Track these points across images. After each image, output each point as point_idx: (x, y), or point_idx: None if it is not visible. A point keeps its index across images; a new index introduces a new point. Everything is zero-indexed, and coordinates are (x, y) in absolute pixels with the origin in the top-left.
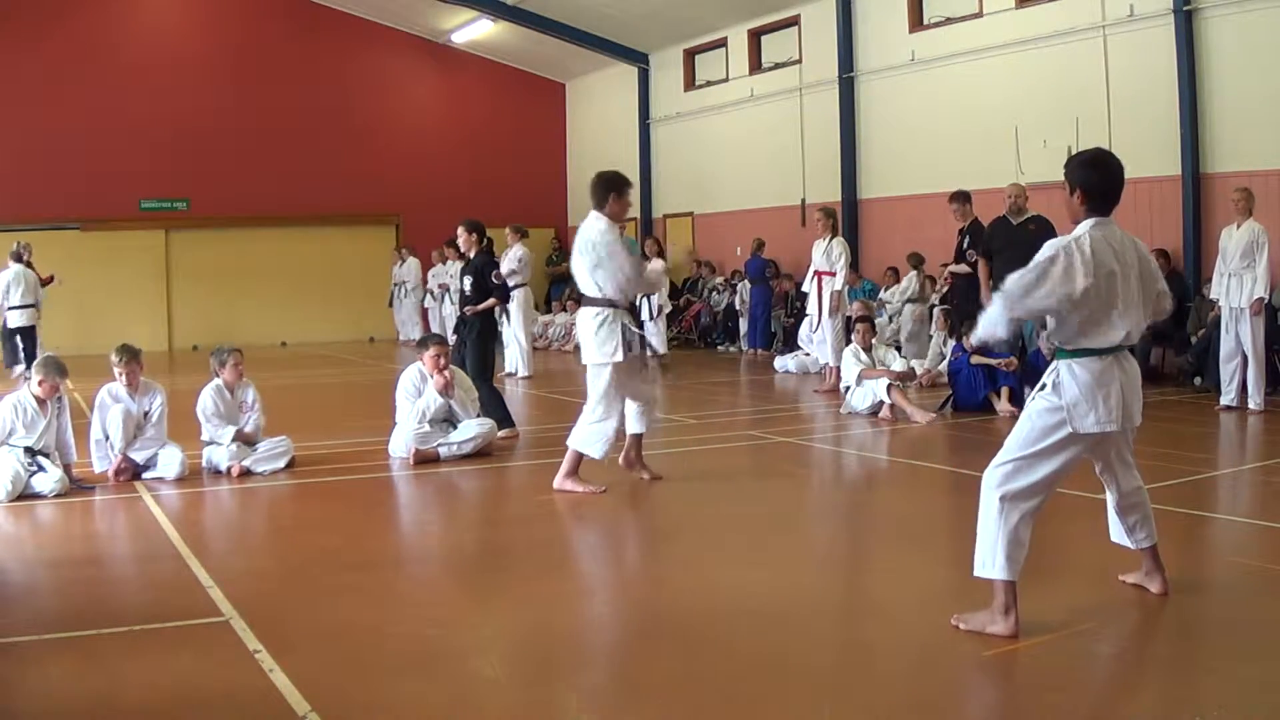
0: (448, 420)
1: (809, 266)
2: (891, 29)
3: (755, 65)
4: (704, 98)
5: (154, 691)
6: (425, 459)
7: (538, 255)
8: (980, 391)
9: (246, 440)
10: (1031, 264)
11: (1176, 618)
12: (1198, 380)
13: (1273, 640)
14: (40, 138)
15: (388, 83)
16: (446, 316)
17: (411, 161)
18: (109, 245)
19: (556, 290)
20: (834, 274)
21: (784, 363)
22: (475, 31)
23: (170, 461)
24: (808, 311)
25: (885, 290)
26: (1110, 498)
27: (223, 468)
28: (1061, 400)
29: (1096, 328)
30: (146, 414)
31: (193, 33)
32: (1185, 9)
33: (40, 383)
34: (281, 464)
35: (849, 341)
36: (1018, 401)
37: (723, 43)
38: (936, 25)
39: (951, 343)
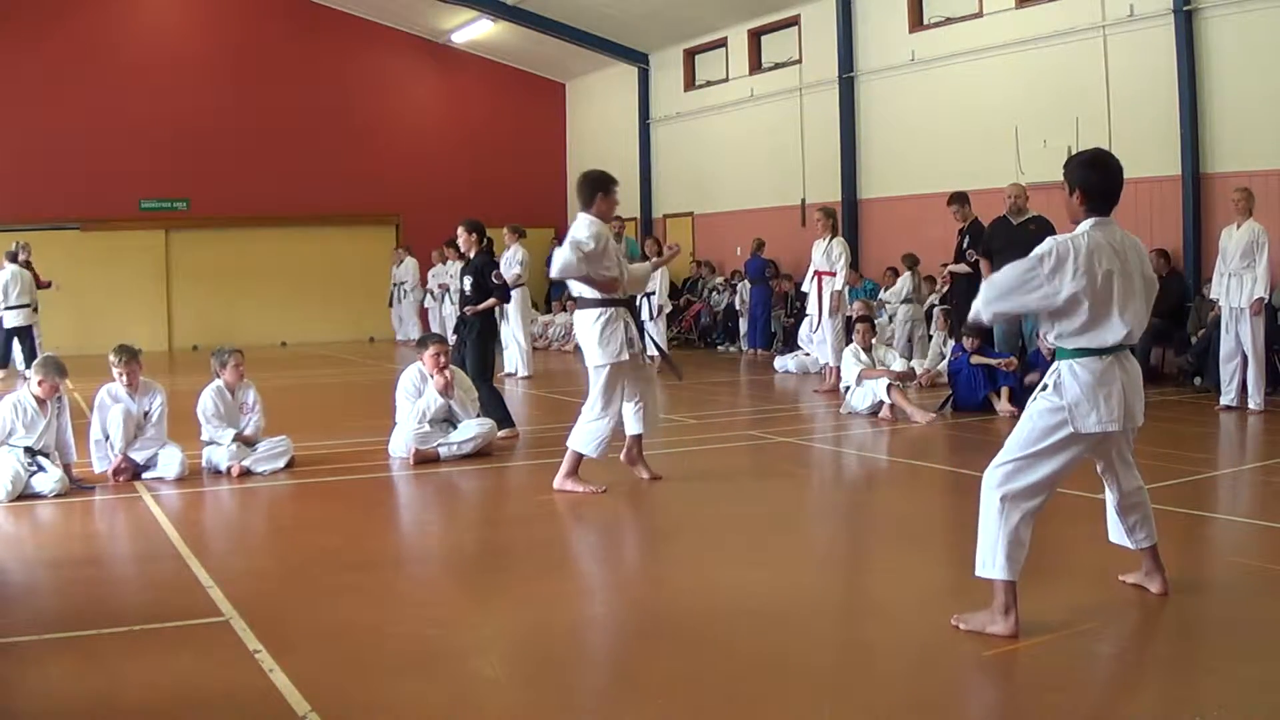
0: (448, 420)
1: (809, 266)
2: (891, 29)
3: (755, 65)
4: (704, 98)
5: (154, 691)
6: (425, 459)
7: (537, 255)
8: (980, 391)
9: (246, 441)
10: (1023, 261)
11: (1176, 618)
12: (1198, 380)
13: (1273, 640)
14: (40, 138)
15: (388, 83)
16: (446, 317)
17: (411, 161)
18: (109, 245)
19: (556, 290)
20: (834, 274)
21: (784, 363)
22: (475, 31)
23: (170, 461)
24: (808, 311)
25: (884, 291)
26: (1111, 497)
27: (223, 468)
28: (1063, 400)
29: (1097, 327)
30: (146, 414)
31: (193, 33)
32: (1185, 9)
33: (40, 383)
34: (281, 464)
35: (849, 341)
36: (1018, 401)
37: (723, 43)
38: (936, 25)
39: (951, 343)
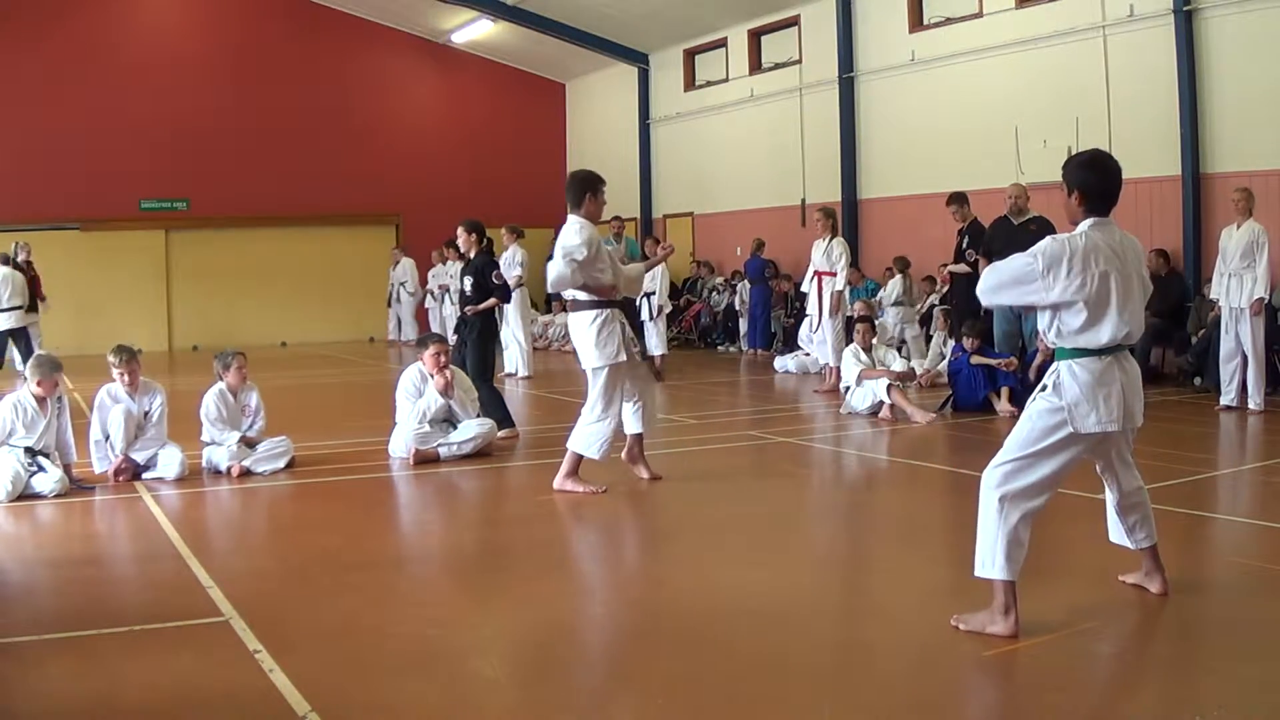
0: (448, 420)
1: (808, 266)
2: (891, 29)
3: (755, 65)
4: (704, 98)
5: (154, 691)
6: (425, 459)
7: (537, 255)
8: (980, 391)
9: (247, 441)
10: (1022, 256)
11: (1176, 618)
12: (1198, 380)
13: (1273, 640)
14: (40, 138)
15: (388, 83)
16: (447, 317)
17: (411, 161)
18: (109, 245)
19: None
20: (834, 274)
21: (784, 363)
22: (475, 31)
23: (170, 461)
24: (808, 312)
25: (880, 291)
26: (1110, 497)
27: (223, 468)
28: (1062, 400)
29: (1095, 327)
30: (147, 414)
31: (193, 33)
32: (1185, 9)
33: (39, 383)
34: (281, 464)
35: (849, 342)
36: (1018, 401)
37: (723, 43)
38: (936, 25)
39: (951, 343)
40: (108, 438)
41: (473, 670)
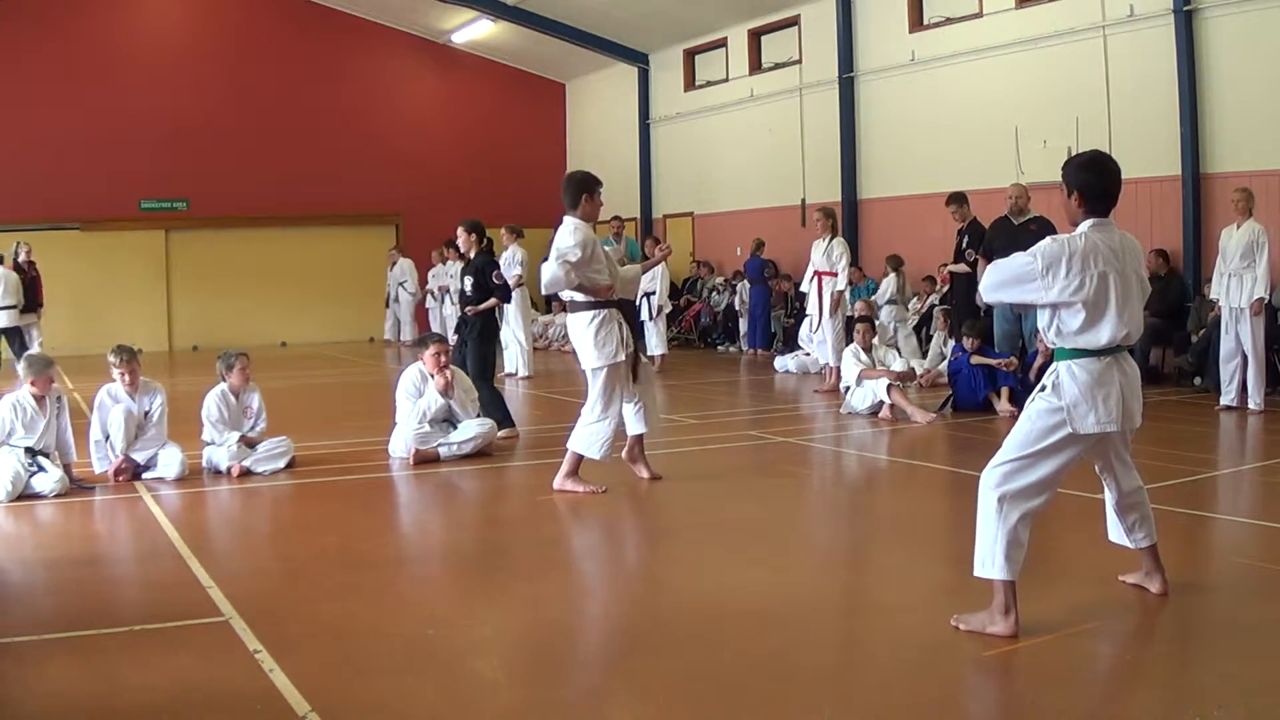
0: (448, 420)
1: (808, 266)
2: (891, 29)
3: (755, 65)
4: (704, 98)
5: (153, 691)
6: (425, 459)
7: (536, 255)
8: (980, 391)
9: (247, 441)
10: (1022, 255)
11: (1176, 618)
12: (1198, 380)
13: (1273, 640)
14: (40, 138)
15: (388, 83)
16: (447, 317)
17: (411, 161)
18: (109, 245)
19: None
20: (834, 274)
21: (784, 363)
22: (475, 31)
23: (170, 461)
24: (808, 311)
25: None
26: (1109, 497)
27: (223, 468)
28: (1061, 401)
29: (1094, 327)
30: (147, 414)
31: (193, 33)
32: (1185, 9)
33: (32, 381)
34: (281, 464)
35: (849, 342)
36: (1018, 401)
37: (723, 43)
38: (936, 25)
39: (951, 343)
40: (108, 438)
41: (472, 670)
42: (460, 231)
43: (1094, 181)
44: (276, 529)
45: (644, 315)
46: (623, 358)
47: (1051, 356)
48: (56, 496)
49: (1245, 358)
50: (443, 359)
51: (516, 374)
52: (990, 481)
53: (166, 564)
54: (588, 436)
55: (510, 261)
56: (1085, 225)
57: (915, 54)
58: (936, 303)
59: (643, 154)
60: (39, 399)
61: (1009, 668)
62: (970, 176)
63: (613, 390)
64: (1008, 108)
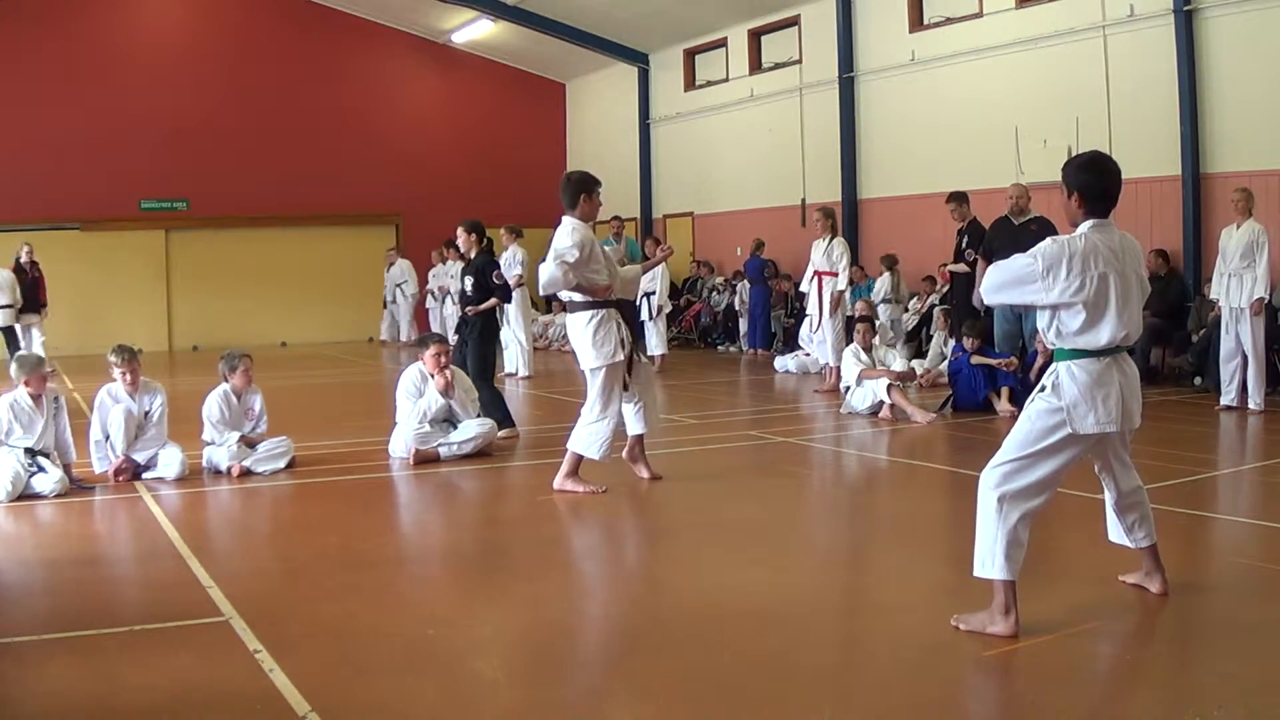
0: (448, 420)
1: (808, 266)
2: (891, 29)
3: (755, 65)
4: (704, 98)
5: (153, 691)
6: (425, 459)
7: (536, 255)
8: (980, 391)
9: (247, 441)
10: (1022, 257)
11: (1176, 618)
12: (1198, 380)
13: (1273, 640)
14: (40, 138)
15: (388, 82)
16: (448, 317)
17: (411, 161)
18: (109, 245)
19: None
20: (834, 274)
21: (784, 363)
22: (475, 31)
23: (170, 461)
24: (808, 311)
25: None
26: (1109, 497)
27: (223, 468)
28: (1061, 401)
29: (1094, 328)
30: (147, 414)
31: (193, 33)
32: (1185, 9)
33: (25, 381)
34: (281, 464)
35: (849, 341)
36: (1018, 401)
37: (723, 43)
38: (936, 25)
39: (951, 343)
40: (108, 438)
41: (472, 670)
42: (460, 232)
43: (1094, 182)
44: (276, 529)
45: (644, 315)
46: (620, 358)
47: (1051, 357)
48: (57, 497)
49: (1245, 358)
50: (443, 359)
51: (517, 374)
52: (990, 481)
53: (166, 564)
54: (587, 436)
55: (511, 261)
56: (1085, 226)
57: (915, 54)
58: (936, 303)
59: (643, 154)
60: (35, 398)
61: (1009, 668)
62: (970, 176)
63: (611, 390)
64: (1008, 108)
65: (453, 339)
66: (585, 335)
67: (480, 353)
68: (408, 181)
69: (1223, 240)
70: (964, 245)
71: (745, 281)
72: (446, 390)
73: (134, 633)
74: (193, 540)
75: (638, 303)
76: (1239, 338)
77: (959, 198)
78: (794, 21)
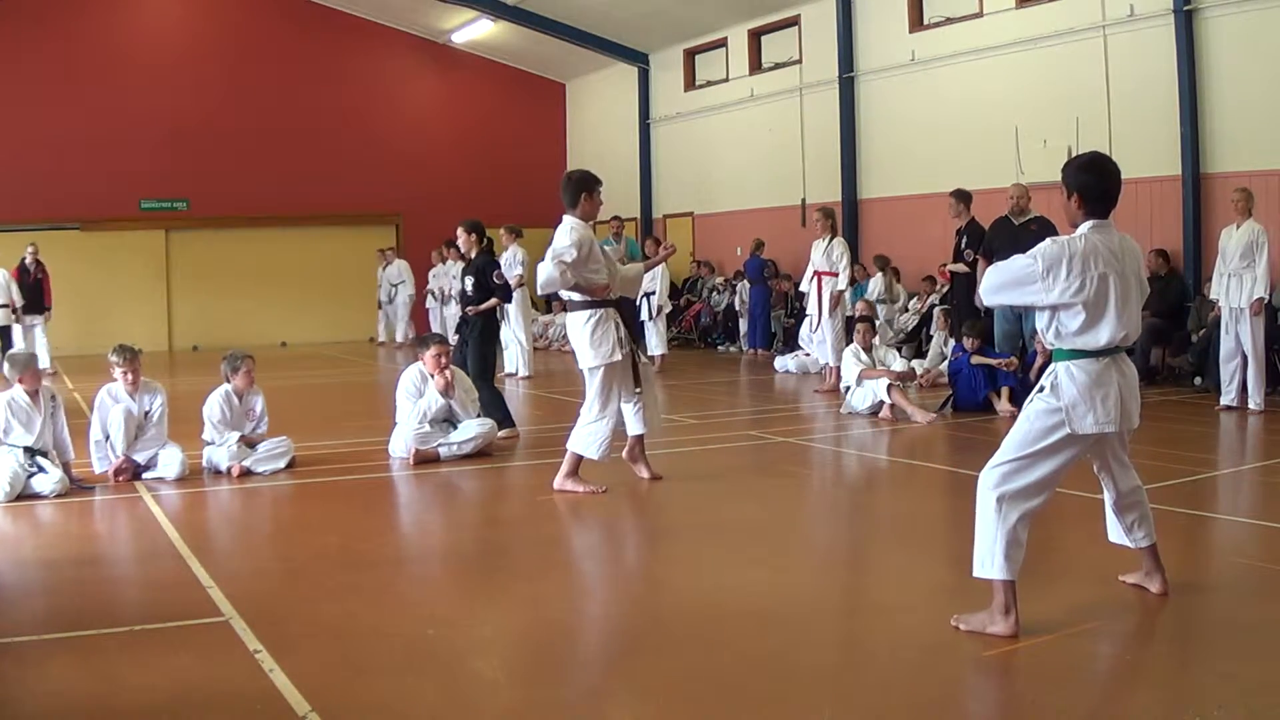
0: (448, 420)
1: (808, 266)
2: (891, 29)
3: (755, 65)
4: (704, 98)
5: (153, 691)
6: (425, 459)
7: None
8: (980, 391)
9: (247, 441)
10: (1022, 257)
11: (1176, 618)
12: (1198, 380)
13: (1273, 640)
14: (40, 138)
15: (387, 82)
16: (448, 318)
17: (411, 161)
18: (109, 245)
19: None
20: (834, 274)
21: (784, 363)
22: (475, 31)
23: (170, 461)
24: (808, 311)
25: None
26: (1108, 497)
27: (223, 468)
28: (1060, 402)
29: (1093, 329)
30: (147, 414)
31: (193, 33)
32: (1185, 9)
33: (19, 379)
34: (282, 464)
35: (849, 342)
36: (1018, 401)
37: (723, 43)
38: (936, 25)
39: (951, 343)
40: (108, 438)
41: (472, 670)
42: (460, 232)
43: (1094, 183)
44: (276, 529)
45: (644, 315)
46: (619, 357)
47: (1050, 357)
48: (57, 497)
49: (1245, 358)
50: (443, 360)
51: (517, 374)
52: (989, 482)
53: (166, 564)
54: (586, 436)
55: (511, 262)
56: (1085, 227)
57: (915, 54)
58: (936, 303)
59: (643, 154)
60: (32, 395)
61: (1009, 668)
62: (970, 176)
63: (609, 390)
64: (1008, 108)
65: (453, 339)
66: (584, 335)
67: (480, 353)
68: (408, 181)
69: (1222, 240)
70: (963, 245)
71: (745, 281)
72: (446, 390)
73: (134, 633)
74: (193, 540)
75: (638, 302)
76: (1239, 338)
77: (962, 196)
78: (794, 21)
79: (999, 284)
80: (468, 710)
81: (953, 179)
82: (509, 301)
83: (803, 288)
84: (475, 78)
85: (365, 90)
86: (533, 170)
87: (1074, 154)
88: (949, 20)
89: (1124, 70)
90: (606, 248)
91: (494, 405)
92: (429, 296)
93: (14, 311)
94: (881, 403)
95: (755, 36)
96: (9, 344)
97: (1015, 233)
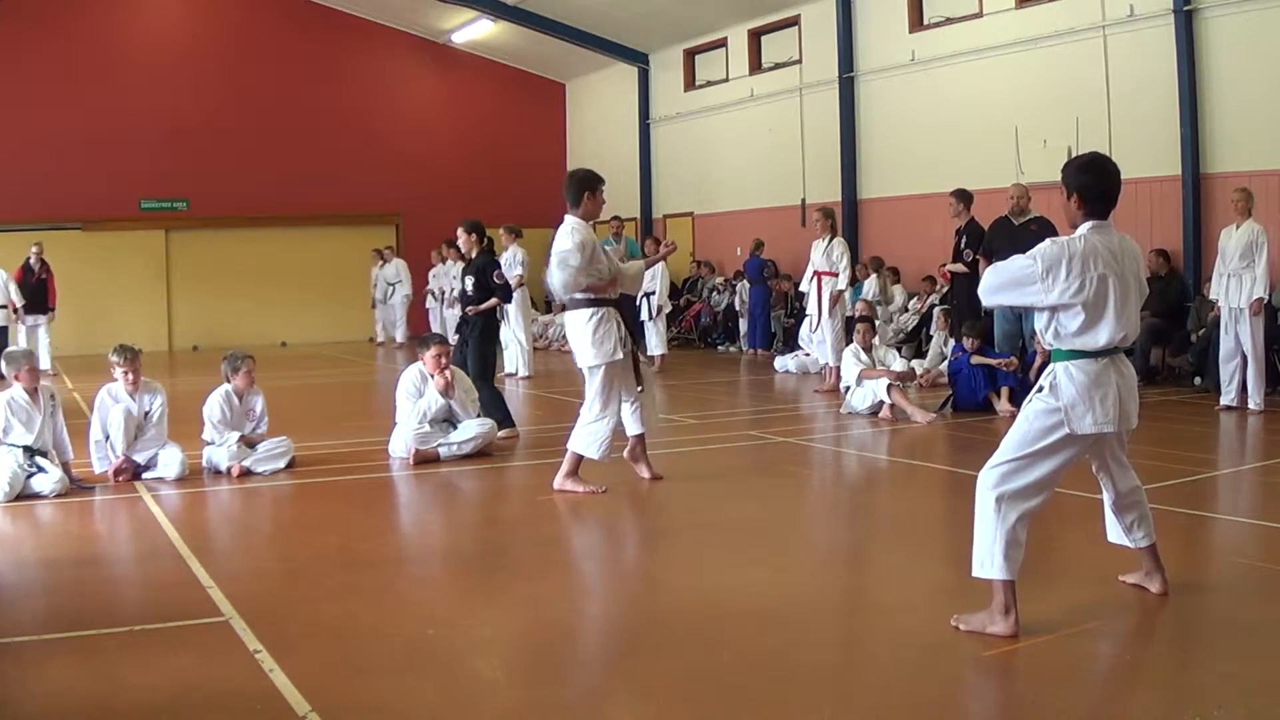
0: (448, 420)
1: (808, 266)
2: (891, 29)
3: (755, 65)
4: (704, 98)
5: (153, 692)
6: (425, 459)
7: (537, 255)
8: (980, 391)
9: (247, 441)
10: (1022, 258)
11: (1176, 618)
12: (1198, 380)
13: (1273, 640)
14: (40, 138)
15: (388, 82)
16: (448, 318)
17: (411, 161)
18: (109, 245)
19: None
20: (834, 274)
21: (784, 363)
22: (475, 31)
23: (170, 461)
24: (807, 311)
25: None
26: (1107, 497)
27: (223, 468)
28: (1059, 402)
29: (1092, 329)
30: (147, 414)
31: (193, 33)
32: (1185, 9)
33: (16, 376)
34: (282, 464)
35: (849, 342)
36: (1018, 401)
37: (723, 43)
38: (936, 25)
39: (951, 343)
40: (108, 438)
41: (472, 670)
42: (460, 232)
43: (1093, 184)
44: (276, 529)
45: (644, 315)
46: (620, 356)
47: (1049, 357)
48: (57, 497)
49: (1245, 358)
50: (443, 360)
51: (516, 374)
52: (988, 482)
53: (166, 564)
54: (587, 436)
55: (511, 262)
56: (1085, 228)
57: (915, 54)
58: (936, 303)
59: (643, 154)
60: (32, 395)
61: (1009, 668)
62: (970, 176)
63: (610, 389)
64: (1008, 108)
65: (453, 339)
66: (585, 333)
67: (481, 353)
68: (408, 181)
69: (1222, 240)
70: (962, 245)
71: (745, 281)
72: (446, 390)
73: (134, 633)
74: (193, 540)
75: (638, 302)
76: (1238, 338)
77: (963, 196)
78: (794, 21)
79: (997, 284)
80: (468, 710)
81: (953, 179)
82: (509, 301)
83: (802, 288)
84: (475, 78)
85: (365, 90)
86: (533, 170)
87: (1074, 154)
88: (949, 20)
89: (1124, 70)
90: (607, 247)
91: (494, 405)
92: (429, 296)
93: (15, 312)
94: (881, 403)
95: (755, 36)
96: (4, 345)
97: (1015, 233)
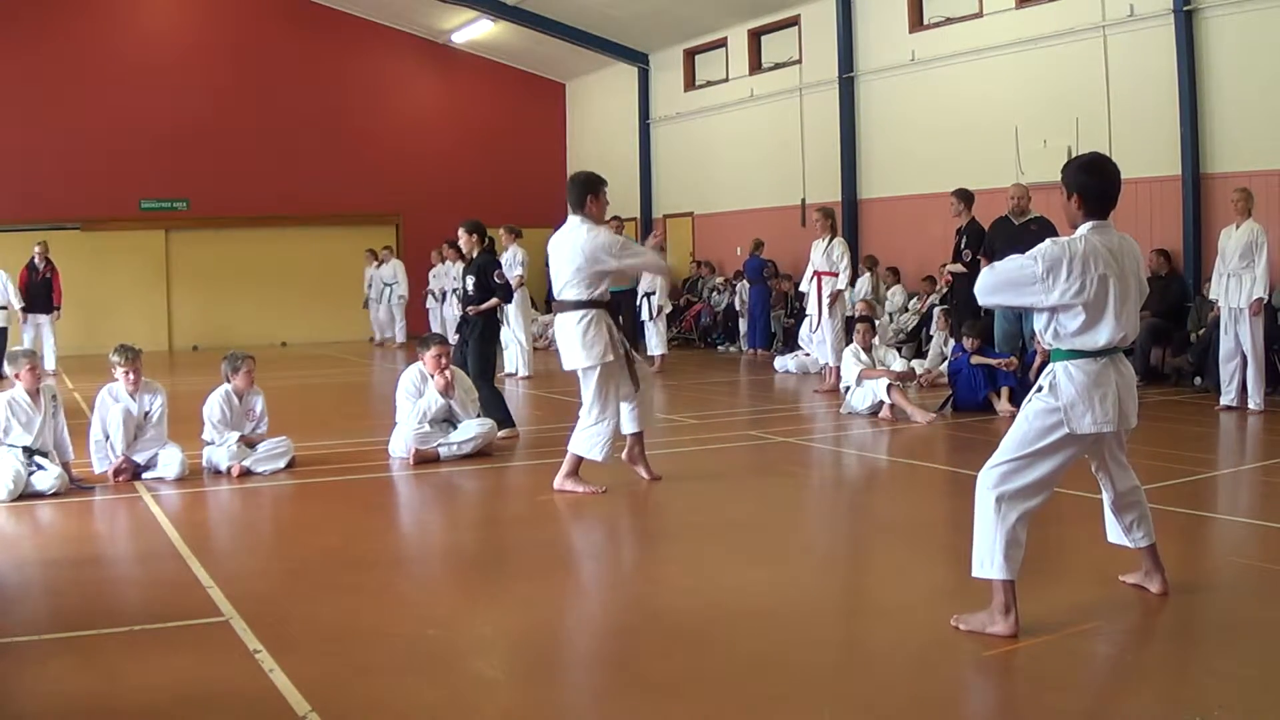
0: (448, 420)
1: (808, 266)
2: (891, 29)
3: (755, 65)
4: (704, 98)
5: (154, 691)
6: (425, 459)
7: (537, 255)
8: (980, 391)
9: (247, 441)
10: (1021, 258)
11: (1176, 618)
12: (1198, 380)
13: (1273, 640)
14: (40, 138)
15: (388, 83)
16: (448, 318)
17: (411, 161)
18: (109, 245)
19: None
20: (835, 274)
21: (784, 363)
22: (475, 31)
23: (170, 461)
24: (807, 311)
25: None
26: (1106, 497)
27: (223, 468)
28: (1058, 401)
29: (1092, 329)
30: (147, 414)
31: (193, 33)
32: (1185, 9)
33: (17, 375)
34: (282, 464)
35: (849, 341)
36: (1017, 401)
37: (723, 43)
38: (936, 25)
39: (951, 343)
40: (108, 438)
41: (472, 670)
42: (461, 232)
43: (1093, 184)
44: (276, 529)
45: (644, 315)
46: (611, 358)
47: (1049, 357)
48: (56, 494)
49: (1245, 358)
50: (443, 360)
51: (516, 374)
52: (988, 482)
53: (166, 564)
54: (587, 439)
55: (512, 262)
56: (1085, 228)
57: (915, 54)
58: (936, 303)
59: (643, 154)
60: (33, 395)
61: (1009, 668)
62: (970, 176)
63: (606, 391)
64: (1008, 108)
65: (453, 339)
66: (575, 335)
67: (481, 352)
68: (408, 181)
69: (1222, 240)
70: (962, 245)
71: (745, 281)
72: (446, 390)
73: (134, 633)
74: (193, 540)
75: (638, 303)
76: (1238, 338)
77: (964, 196)
78: (794, 21)
79: (995, 284)
80: (468, 710)
81: (953, 179)
82: (509, 302)
83: (802, 288)
84: (475, 78)
85: (365, 90)
86: (533, 170)
87: (1074, 154)
88: (949, 20)
89: (1124, 70)
90: None
91: (494, 405)
92: (429, 296)
93: (18, 311)
94: (881, 403)
95: (755, 36)
96: (4, 345)
97: (1015, 233)
